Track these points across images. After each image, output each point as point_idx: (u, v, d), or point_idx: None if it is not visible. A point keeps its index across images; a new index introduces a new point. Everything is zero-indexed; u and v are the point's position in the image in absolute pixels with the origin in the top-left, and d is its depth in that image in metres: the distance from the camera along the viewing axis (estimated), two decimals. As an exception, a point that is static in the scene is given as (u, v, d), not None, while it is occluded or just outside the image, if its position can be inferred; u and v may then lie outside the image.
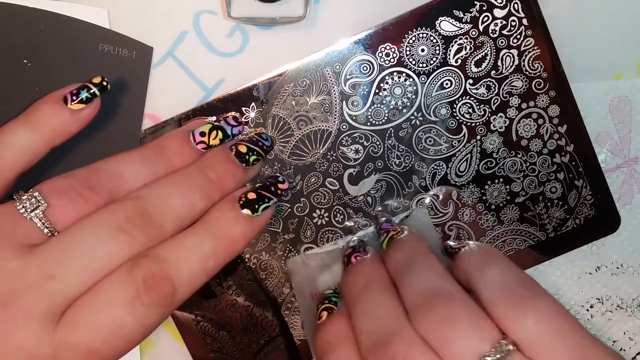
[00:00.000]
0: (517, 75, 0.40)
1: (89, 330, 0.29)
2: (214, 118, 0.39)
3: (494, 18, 0.39)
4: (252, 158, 0.37)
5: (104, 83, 0.35)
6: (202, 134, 0.37)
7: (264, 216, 0.35)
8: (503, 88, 0.40)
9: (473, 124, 0.41)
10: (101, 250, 0.31)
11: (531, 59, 0.40)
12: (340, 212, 0.41)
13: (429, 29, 0.39)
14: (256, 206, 0.34)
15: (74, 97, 0.34)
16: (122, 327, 0.30)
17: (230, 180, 0.36)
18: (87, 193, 0.32)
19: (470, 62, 0.40)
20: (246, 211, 0.34)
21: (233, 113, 0.39)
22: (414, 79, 0.40)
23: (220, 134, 0.37)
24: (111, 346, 0.30)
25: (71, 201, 0.32)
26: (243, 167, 0.36)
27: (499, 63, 0.40)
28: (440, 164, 0.41)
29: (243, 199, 0.34)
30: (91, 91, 0.34)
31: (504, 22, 0.40)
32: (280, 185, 0.36)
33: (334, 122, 0.40)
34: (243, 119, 0.39)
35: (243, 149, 0.37)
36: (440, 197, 0.41)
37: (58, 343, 0.29)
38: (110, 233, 0.31)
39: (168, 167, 0.36)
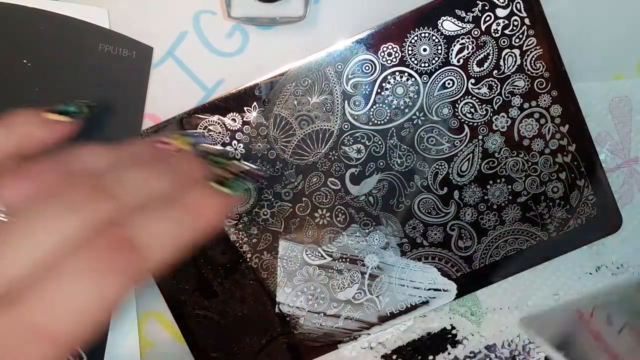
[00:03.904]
0: (519, 75, 0.40)
1: (35, 305, 0.26)
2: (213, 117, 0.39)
3: (496, 18, 0.39)
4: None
5: (87, 107, 0.34)
6: (165, 140, 0.35)
7: (235, 194, 0.33)
8: (505, 88, 0.40)
9: (475, 124, 0.41)
10: (52, 228, 0.28)
11: (533, 58, 0.40)
12: (342, 211, 0.41)
13: (431, 28, 0.39)
14: (227, 181, 0.33)
15: (51, 109, 0.34)
16: (74, 300, 0.26)
17: (199, 175, 0.34)
18: (44, 175, 0.30)
19: (473, 62, 0.40)
20: (216, 186, 0.32)
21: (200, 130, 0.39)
22: (416, 79, 0.40)
23: (185, 138, 0.35)
24: (64, 322, 0.26)
25: (25, 181, 0.30)
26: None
27: (501, 63, 0.40)
28: (442, 164, 0.41)
29: (214, 178, 0.33)
30: (70, 107, 0.34)
31: (506, 22, 0.40)
32: (256, 172, 0.36)
33: (336, 121, 0.40)
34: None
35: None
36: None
37: (2, 322, 0.25)
38: (65, 209, 0.28)
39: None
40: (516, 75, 0.40)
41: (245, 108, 0.40)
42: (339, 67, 0.39)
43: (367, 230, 0.41)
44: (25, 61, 0.38)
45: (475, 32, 0.40)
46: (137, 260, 0.28)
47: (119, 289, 0.27)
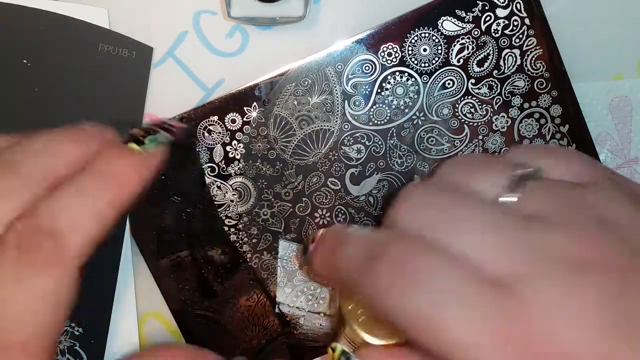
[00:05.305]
0: (519, 75, 0.40)
1: None
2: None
3: (496, 18, 0.39)
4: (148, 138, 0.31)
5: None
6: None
7: (154, 151, 0.30)
8: (505, 88, 0.40)
9: (475, 124, 0.41)
10: None
11: (533, 58, 0.40)
12: (342, 212, 0.41)
13: (431, 28, 0.39)
14: (142, 138, 0.30)
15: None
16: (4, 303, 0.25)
17: (110, 136, 0.31)
18: None
19: (473, 62, 0.40)
20: (131, 145, 0.30)
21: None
22: (416, 79, 0.40)
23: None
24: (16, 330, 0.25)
25: None
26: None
27: (501, 63, 0.40)
28: (442, 164, 0.41)
29: (127, 135, 0.30)
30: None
31: (506, 22, 0.39)
32: (173, 123, 0.33)
33: (336, 121, 0.40)
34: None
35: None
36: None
37: None
38: None
39: None
40: (516, 76, 0.40)
41: (245, 108, 0.40)
42: (339, 67, 0.39)
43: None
44: (25, 61, 0.38)
45: (475, 32, 0.40)
46: (56, 245, 0.26)
47: (47, 281, 0.25)
